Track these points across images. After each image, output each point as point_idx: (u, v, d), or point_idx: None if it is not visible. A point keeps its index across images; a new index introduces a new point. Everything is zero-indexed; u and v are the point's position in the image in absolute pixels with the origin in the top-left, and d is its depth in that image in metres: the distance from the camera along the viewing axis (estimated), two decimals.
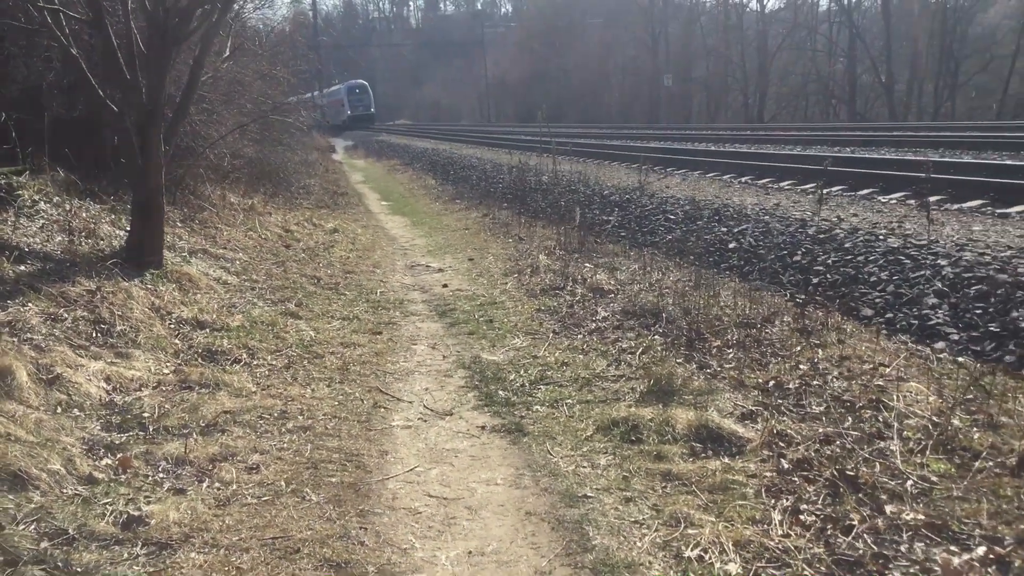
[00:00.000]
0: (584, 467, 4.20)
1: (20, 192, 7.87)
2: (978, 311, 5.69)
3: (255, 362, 5.99)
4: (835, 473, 3.61)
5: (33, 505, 3.63)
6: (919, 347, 5.53)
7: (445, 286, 9.03)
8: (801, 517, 3.35)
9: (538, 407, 5.12)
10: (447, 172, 22.96)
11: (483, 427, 4.88)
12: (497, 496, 3.97)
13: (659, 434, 4.42)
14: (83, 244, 7.47)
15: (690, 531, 3.40)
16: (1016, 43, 43.58)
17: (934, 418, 4.06)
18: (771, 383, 4.87)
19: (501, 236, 12.22)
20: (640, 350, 5.94)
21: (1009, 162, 11.89)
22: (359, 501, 3.93)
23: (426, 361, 6.32)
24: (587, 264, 9.08)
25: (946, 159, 13.20)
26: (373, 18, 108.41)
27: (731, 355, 5.55)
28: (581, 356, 6.08)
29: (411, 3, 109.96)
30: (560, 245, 10.33)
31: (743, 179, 13.62)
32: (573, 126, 46.20)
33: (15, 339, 5.18)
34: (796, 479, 3.69)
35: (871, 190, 10.81)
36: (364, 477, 4.22)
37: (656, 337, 6.22)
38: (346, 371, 5.98)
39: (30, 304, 5.76)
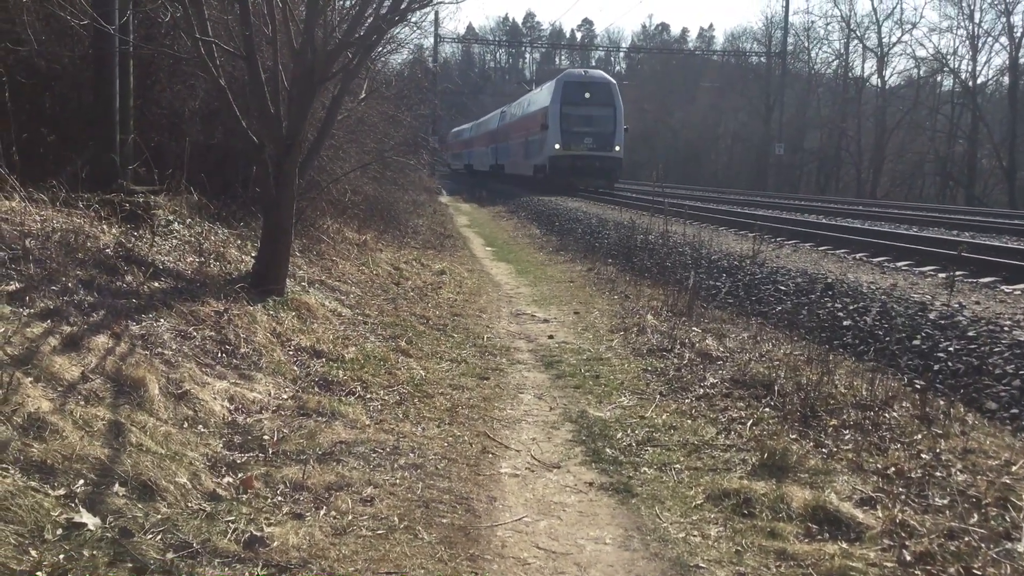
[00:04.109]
0: (694, 536, 4.16)
1: (156, 212, 8.26)
2: None
3: (368, 395, 6.13)
4: (961, 571, 3.50)
5: (160, 516, 3.78)
6: None
7: (551, 337, 9.08)
8: None
9: (646, 469, 5.10)
10: (552, 223, 23.14)
11: (591, 483, 4.88)
12: (606, 556, 3.96)
13: (773, 510, 4.35)
14: (212, 266, 7.78)
15: None
16: None
17: None
18: (891, 469, 4.74)
19: (607, 292, 12.23)
20: (751, 421, 5.87)
21: None
22: (469, 545, 3.97)
23: (532, 411, 6.35)
24: (695, 328, 9.02)
25: None
26: (489, 67, 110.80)
27: (848, 436, 5.43)
28: (689, 421, 6.03)
29: (527, 55, 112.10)
30: (667, 306, 10.29)
31: (857, 255, 13.35)
32: (678, 187, 46.10)
33: (147, 352, 5.42)
34: (919, 572, 3.59)
35: (994, 278, 10.48)
36: (474, 521, 4.26)
37: (767, 410, 6.13)
38: (455, 413, 6.06)
39: (162, 320, 6.02)
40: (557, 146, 33.47)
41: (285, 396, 5.77)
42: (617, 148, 33.81)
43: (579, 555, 3.96)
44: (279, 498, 4.21)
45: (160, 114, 10.31)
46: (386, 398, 6.16)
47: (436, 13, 37.32)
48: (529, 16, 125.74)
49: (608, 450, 5.42)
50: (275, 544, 3.68)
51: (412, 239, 17.08)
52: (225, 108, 7.88)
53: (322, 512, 4.10)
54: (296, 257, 9.63)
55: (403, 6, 7.92)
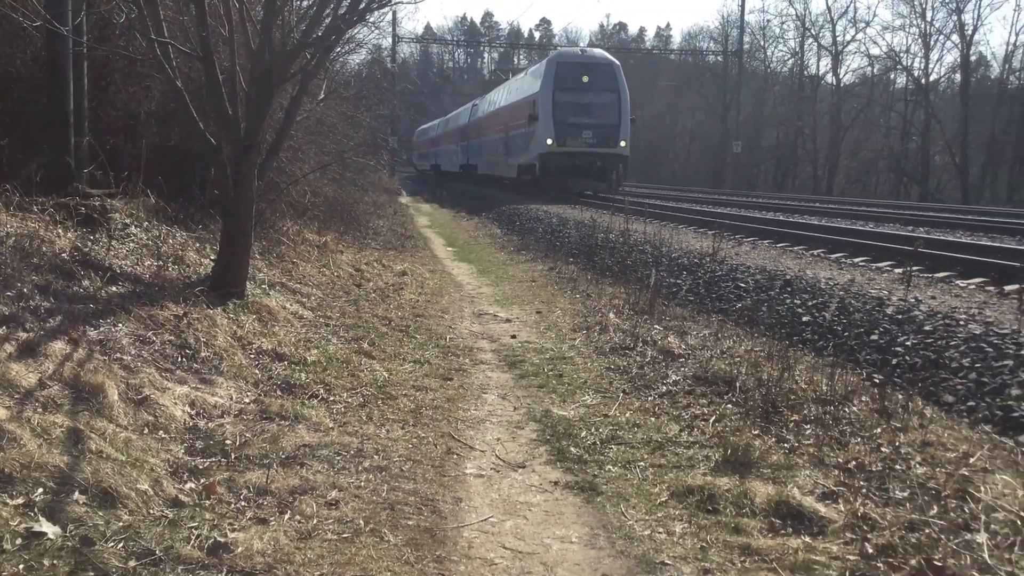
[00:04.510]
0: (660, 533, 4.18)
1: (113, 215, 8.14)
2: None
3: (331, 398, 6.09)
4: (922, 562, 3.55)
5: (121, 523, 3.72)
6: (1002, 438, 5.43)
7: (513, 337, 9.08)
8: None
9: (611, 467, 5.12)
10: (512, 222, 23.15)
11: (556, 483, 4.89)
12: (572, 554, 3.97)
13: (737, 506, 4.39)
14: (171, 269, 7.68)
15: None
16: None
17: (1022, 513, 3.97)
18: (852, 463, 4.81)
19: (568, 291, 12.26)
20: (713, 418, 5.92)
21: None
22: (435, 547, 3.96)
23: (497, 411, 6.35)
24: (657, 326, 9.07)
25: None
26: (448, 67, 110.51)
27: (809, 431, 5.49)
28: (652, 419, 6.07)
29: (486, 55, 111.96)
30: (629, 304, 10.34)
31: (815, 252, 13.52)
32: (638, 185, 46.28)
33: (106, 358, 5.34)
34: (881, 564, 3.64)
35: (948, 273, 10.66)
36: (440, 523, 4.25)
37: (729, 406, 6.19)
38: (419, 414, 6.04)
39: (121, 325, 5.93)
40: (549, 141, 27.52)
41: (247, 400, 5.71)
42: (623, 143, 27.84)
43: (545, 554, 3.97)
44: (243, 503, 4.17)
45: (116, 116, 10.16)
46: (349, 400, 6.12)
47: (394, 13, 37.23)
48: (487, 16, 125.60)
49: (573, 449, 5.44)
50: (239, 550, 3.64)
51: (373, 240, 17.00)
52: (182, 110, 7.78)
53: (286, 516, 4.06)
54: (256, 259, 9.53)
55: (361, 6, 7.87)
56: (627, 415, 6.15)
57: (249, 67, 7.69)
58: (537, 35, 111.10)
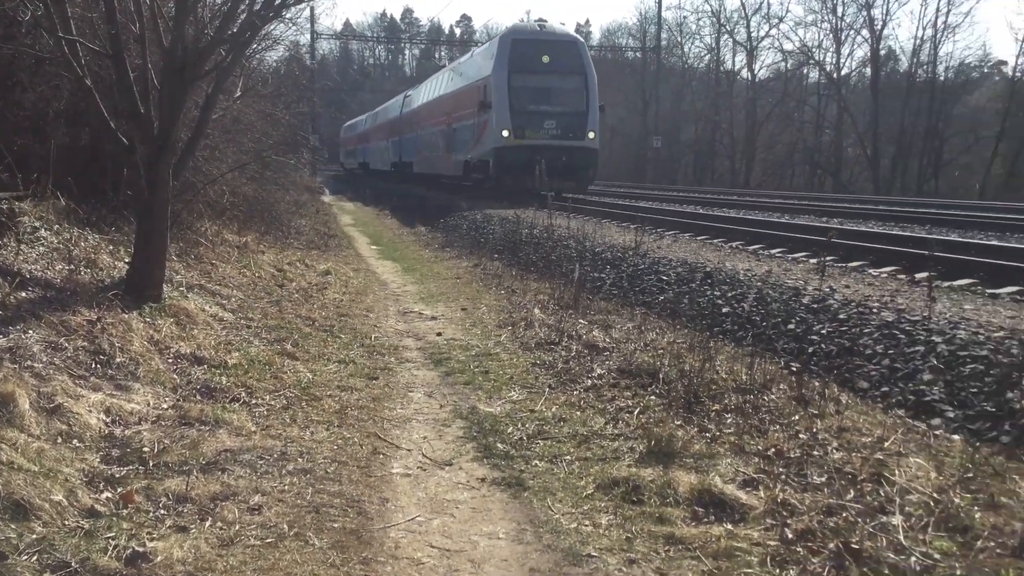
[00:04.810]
0: (586, 526, 4.21)
1: (21, 218, 7.88)
2: (973, 390, 5.77)
3: (254, 401, 5.99)
4: (840, 545, 3.64)
5: (35, 536, 3.61)
6: (915, 422, 5.60)
7: (439, 334, 9.06)
8: None
9: (537, 462, 5.13)
10: (436, 219, 23.07)
11: (483, 479, 4.89)
12: (500, 551, 3.97)
13: (661, 496, 4.45)
14: (83, 273, 7.46)
15: None
16: (1001, 125, 44.56)
17: (935, 495, 4.11)
18: (772, 451, 4.91)
19: (493, 287, 12.27)
20: (638, 410, 5.98)
21: (996, 243, 12.14)
22: (362, 548, 3.92)
23: (423, 409, 6.33)
24: (581, 320, 9.13)
25: (934, 236, 13.41)
26: (368, 64, 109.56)
27: (730, 420, 5.59)
28: (578, 412, 6.11)
29: (407, 52, 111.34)
30: (554, 300, 10.40)
31: (734, 244, 13.78)
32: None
33: (16, 366, 5.16)
34: (800, 549, 3.72)
35: (862, 262, 10.96)
36: (366, 524, 4.21)
37: (653, 397, 6.26)
38: (344, 415, 5.98)
39: (31, 332, 5.74)
40: (505, 133, 23.29)
41: (165, 406, 5.58)
42: (592, 134, 23.88)
43: (473, 551, 3.96)
44: (162, 511, 4.07)
45: (23, 116, 9.81)
46: (272, 403, 6.03)
47: (312, 9, 36.63)
48: (407, 12, 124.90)
49: (499, 445, 5.44)
50: (159, 559, 3.55)
51: (295, 240, 16.77)
52: (92, 109, 7.57)
53: (207, 523, 3.98)
54: (173, 261, 9.32)
55: (277, 2, 7.75)
56: (553, 410, 6.19)
57: (162, 65, 7.50)
58: (458, 31, 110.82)
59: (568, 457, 5.20)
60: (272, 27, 12.90)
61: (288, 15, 11.80)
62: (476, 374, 7.30)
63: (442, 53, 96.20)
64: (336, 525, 4.15)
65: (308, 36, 48.68)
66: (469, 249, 16.97)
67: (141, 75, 7.47)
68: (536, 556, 3.89)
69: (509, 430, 5.72)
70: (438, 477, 4.94)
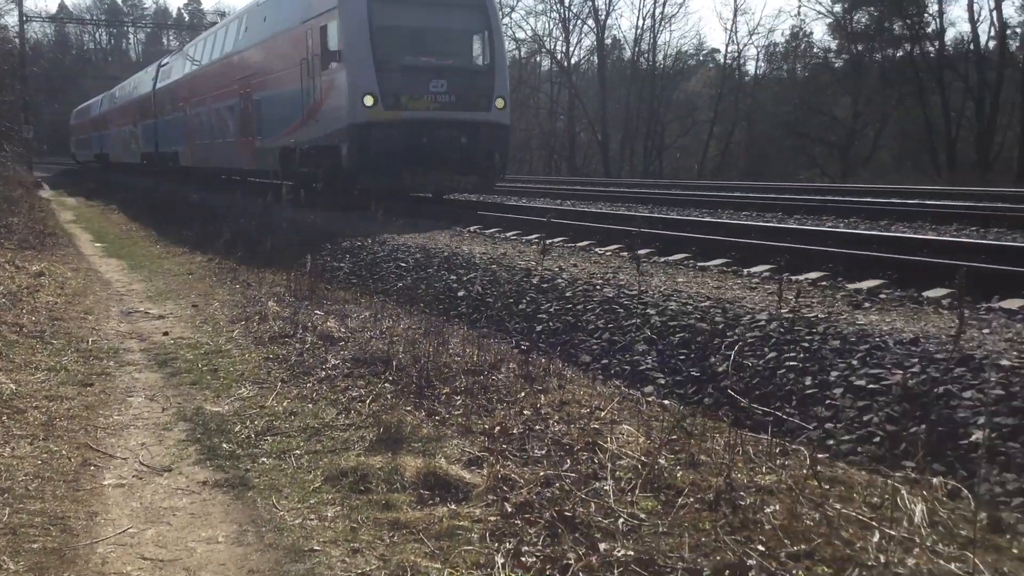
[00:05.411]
0: (311, 520, 4.13)
1: None
2: (681, 357, 6.21)
3: None
4: (554, 514, 3.79)
5: None
6: (631, 391, 5.95)
7: (166, 334, 8.60)
8: (523, 559, 3.48)
9: (264, 459, 4.98)
10: (167, 211, 21.91)
11: (205, 482, 4.68)
12: (218, 555, 3.82)
13: (388, 483, 4.45)
14: None
15: None
16: (714, 110, 48.35)
17: (643, 458, 4.37)
18: (497, 428, 5.03)
19: (228, 282, 11.81)
20: (370, 398, 5.95)
21: (708, 219, 13.14)
22: (64, 568, 3.64)
23: (143, 414, 5.98)
24: (317, 311, 8.98)
25: (655, 215, 14.33)
26: (89, 49, 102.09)
27: (459, 402, 5.69)
28: (310, 405, 5.99)
29: (131, 36, 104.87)
30: (290, 292, 10.16)
31: (471, 228, 14.06)
32: None
33: None
34: (519, 522, 3.84)
35: (589, 242, 11.52)
36: (70, 541, 3.91)
37: (386, 385, 6.26)
38: (51, 427, 5.53)
39: None
40: (369, 101, 15.53)
41: None
42: (501, 103, 16.61)
43: (189, 559, 3.78)
44: None
45: None
46: None
47: None
48: None
49: (225, 445, 5.24)
50: None
51: (6, 240, 15.35)
52: None
53: None
54: None
55: None
56: (284, 404, 6.03)
57: None
58: (186, 16, 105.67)
59: (297, 452, 5.08)
60: None
61: None
62: (204, 373, 6.99)
63: (170, 37, 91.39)
64: (36, 546, 3.83)
65: (15, 18, 44.66)
66: (204, 243, 16.23)
67: None
68: (256, 557, 3.77)
69: (236, 429, 5.51)
70: (155, 485, 4.68)
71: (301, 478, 4.68)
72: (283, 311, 9.12)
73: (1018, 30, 42.31)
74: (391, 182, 15.91)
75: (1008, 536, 3.56)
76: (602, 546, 3.51)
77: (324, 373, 6.77)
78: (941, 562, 3.19)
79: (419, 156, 15.59)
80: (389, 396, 5.97)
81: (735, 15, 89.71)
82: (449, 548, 3.69)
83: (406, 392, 5.98)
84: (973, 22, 50.63)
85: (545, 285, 8.54)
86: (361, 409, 5.77)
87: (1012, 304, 6.63)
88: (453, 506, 4.13)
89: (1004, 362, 4.90)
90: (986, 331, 5.74)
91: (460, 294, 9.20)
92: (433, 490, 4.32)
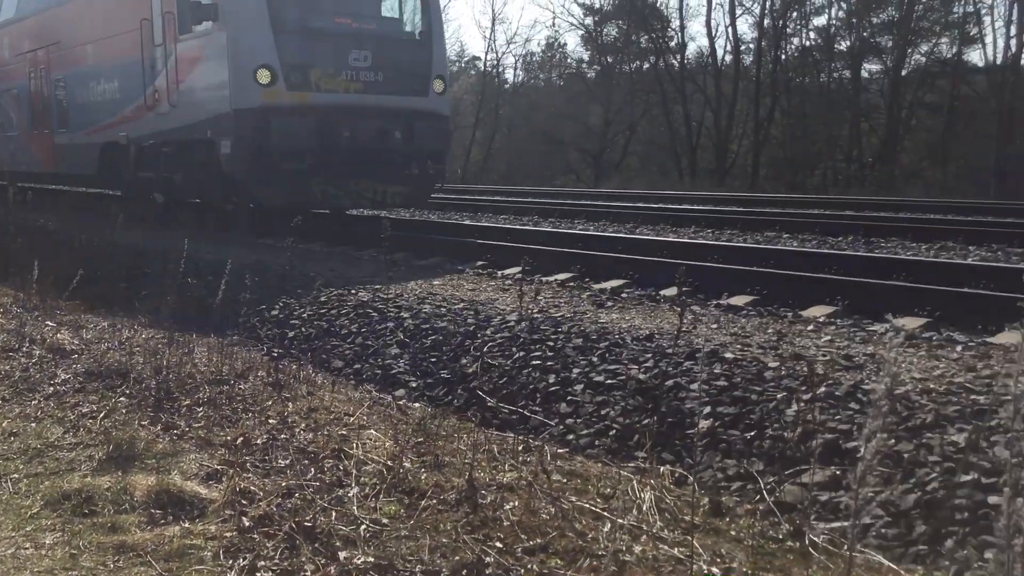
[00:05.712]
0: (26, 548, 3.78)
1: None
2: (433, 359, 6.23)
3: None
4: (294, 526, 3.67)
5: None
6: (383, 395, 5.90)
7: None
8: (258, 574, 3.34)
9: None
10: None
11: None
12: None
13: (116, 504, 4.15)
14: None
15: None
16: (476, 116, 49.33)
17: (389, 462, 4.33)
18: (240, 440, 4.83)
19: None
20: (102, 414, 5.55)
21: (467, 223, 13.35)
22: None
23: None
24: (49, 322, 8.31)
25: (405, 218, 14.40)
26: None
27: (201, 413, 5.42)
28: (34, 424, 5.51)
29: None
30: (17, 302, 9.34)
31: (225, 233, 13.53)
32: None
33: None
34: (257, 536, 3.68)
35: (345, 247, 11.37)
36: None
37: (122, 399, 5.86)
38: None
39: None
40: (266, 77, 11.36)
41: None
42: (439, 86, 12.87)
43: None
44: None
45: None
46: None
47: None
48: None
49: None
50: None
51: None
52: None
53: None
54: None
55: None
56: (4, 424, 5.51)
57: None
58: None
59: (16, 475, 4.65)
60: None
61: None
62: None
63: None
64: None
65: None
66: None
67: None
68: None
69: None
70: None
71: (18, 504, 4.28)
72: (8, 323, 8.37)
73: (751, 46, 45.80)
74: (296, 195, 11.68)
75: (728, 519, 3.81)
76: (342, 555, 3.43)
77: (52, 389, 6.26)
78: (665, 547, 3.36)
79: (337, 158, 11.63)
80: (124, 411, 5.60)
81: (493, 24, 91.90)
82: (179, 569, 3.48)
83: (143, 406, 5.63)
84: (711, 37, 54.49)
85: (300, 290, 8.34)
86: (91, 426, 5.36)
87: (739, 301, 7.14)
88: (187, 524, 3.91)
89: (728, 355, 5.25)
90: (714, 326, 6.15)
91: (210, 301, 8.80)
92: (166, 508, 4.07)
